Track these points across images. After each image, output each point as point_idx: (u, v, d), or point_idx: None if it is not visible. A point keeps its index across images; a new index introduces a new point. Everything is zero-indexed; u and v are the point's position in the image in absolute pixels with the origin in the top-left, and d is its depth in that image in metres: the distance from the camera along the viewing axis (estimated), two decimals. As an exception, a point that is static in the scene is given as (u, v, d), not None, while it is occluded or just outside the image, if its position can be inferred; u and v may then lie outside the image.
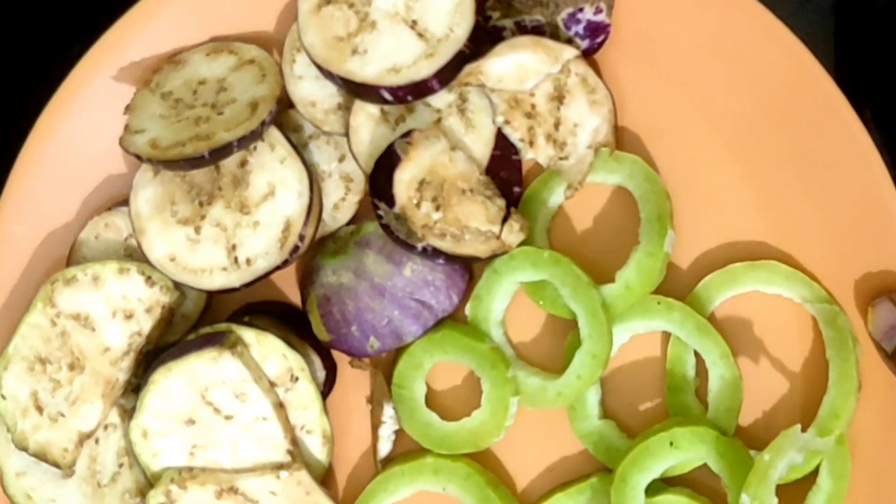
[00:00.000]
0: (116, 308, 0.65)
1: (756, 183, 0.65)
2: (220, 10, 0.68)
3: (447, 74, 0.63)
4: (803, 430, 0.62)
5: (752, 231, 0.65)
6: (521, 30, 0.65)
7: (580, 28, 0.65)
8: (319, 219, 0.66)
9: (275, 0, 0.68)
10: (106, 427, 0.66)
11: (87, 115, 0.68)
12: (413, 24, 0.64)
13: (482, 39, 0.64)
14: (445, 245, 0.63)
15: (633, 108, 0.66)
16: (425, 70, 0.63)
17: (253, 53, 0.67)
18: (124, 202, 0.66)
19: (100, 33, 0.68)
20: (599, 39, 0.65)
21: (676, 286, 0.66)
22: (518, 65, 0.64)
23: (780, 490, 0.62)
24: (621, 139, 0.66)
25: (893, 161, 0.75)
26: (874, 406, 0.63)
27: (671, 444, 0.62)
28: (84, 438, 0.65)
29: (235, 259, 0.64)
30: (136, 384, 0.66)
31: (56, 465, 0.65)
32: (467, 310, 0.66)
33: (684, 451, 0.62)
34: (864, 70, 0.76)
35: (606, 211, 0.67)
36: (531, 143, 0.64)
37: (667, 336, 0.65)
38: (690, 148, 0.66)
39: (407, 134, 0.64)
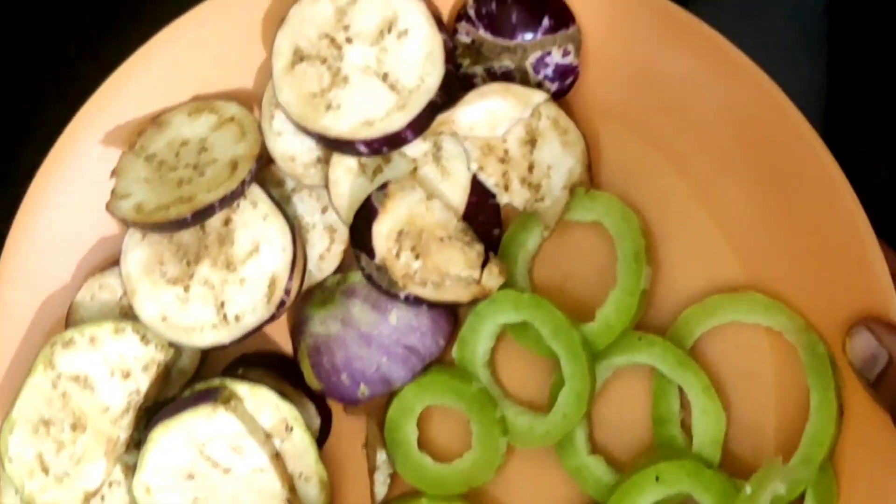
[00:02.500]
0: (114, 367, 0.67)
1: (732, 216, 0.65)
2: (201, 69, 0.69)
3: (420, 124, 0.64)
4: (787, 457, 0.63)
5: (729, 263, 0.65)
6: (491, 76, 0.65)
7: (549, 71, 0.65)
8: (304, 271, 0.67)
9: (254, 57, 0.68)
10: (111, 484, 0.67)
11: (76, 181, 0.69)
12: (384, 77, 0.64)
13: (454, 87, 0.65)
14: (427, 293, 0.64)
15: (606, 147, 0.66)
16: (398, 122, 0.63)
17: (233, 111, 0.68)
18: (117, 262, 0.67)
19: (96, 34, 0.68)
20: (569, 81, 0.65)
21: (658, 320, 0.66)
22: (488, 112, 0.64)
23: (768, 518, 0.62)
24: (596, 177, 0.66)
25: (888, 164, 0.75)
26: (859, 432, 0.63)
27: (657, 478, 0.63)
28: (90, 496, 0.67)
29: (224, 316, 0.65)
30: (137, 439, 0.67)
31: (64, 523, 0.67)
32: (454, 352, 0.67)
33: (670, 485, 0.63)
34: (857, 73, 0.76)
35: (586, 249, 0.67)
36: (506, 188, 0.65)
37: (652, 369, 0.66)
38: (665, 184, 0.66)
39: (384, 186, 0.65)
